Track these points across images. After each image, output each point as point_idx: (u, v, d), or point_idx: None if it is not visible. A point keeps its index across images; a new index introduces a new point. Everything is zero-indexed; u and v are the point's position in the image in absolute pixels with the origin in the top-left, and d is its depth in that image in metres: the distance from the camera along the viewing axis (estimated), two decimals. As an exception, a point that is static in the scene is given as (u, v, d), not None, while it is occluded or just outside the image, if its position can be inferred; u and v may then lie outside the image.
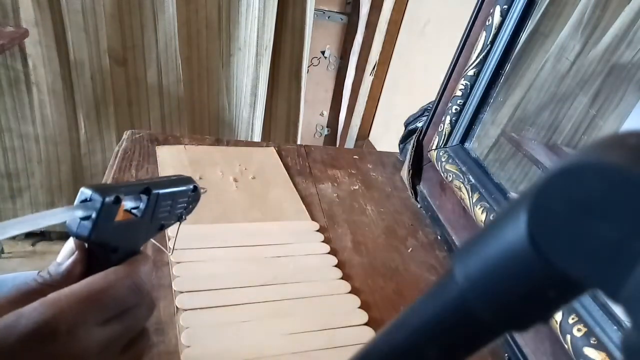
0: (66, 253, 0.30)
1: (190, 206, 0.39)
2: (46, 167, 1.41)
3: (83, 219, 0.29)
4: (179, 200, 0.37)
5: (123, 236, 0.32)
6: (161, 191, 0.34)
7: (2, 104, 1.29)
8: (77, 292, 0.28)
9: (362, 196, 0.75)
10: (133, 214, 0.32)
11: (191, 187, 0.38)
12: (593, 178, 0.14)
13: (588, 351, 0.39)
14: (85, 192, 0.29)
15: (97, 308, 0.28)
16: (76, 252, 0.30)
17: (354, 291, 0.55)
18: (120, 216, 0.31)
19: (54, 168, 1.42)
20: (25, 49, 1.23)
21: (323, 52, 1.60)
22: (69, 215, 0.28)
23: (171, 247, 0.38)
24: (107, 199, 0.29)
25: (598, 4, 0.53)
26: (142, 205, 0.32)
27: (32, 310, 0.26)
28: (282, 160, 0.78)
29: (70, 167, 1.44)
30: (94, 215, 0.29)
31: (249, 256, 0.57)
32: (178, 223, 0.39)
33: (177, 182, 0.37)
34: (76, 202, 0.29)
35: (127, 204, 0.31)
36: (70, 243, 0.31)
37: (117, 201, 0.30)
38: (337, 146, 1.69)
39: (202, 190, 0.40)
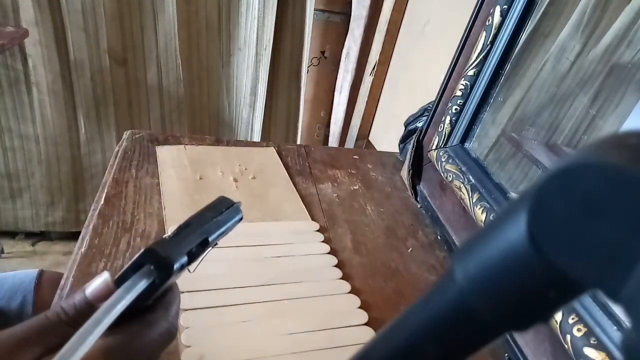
0: (99, 286, 0.27)
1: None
2: (46, 167, 1.41)
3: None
4: (224, 234, 0.36)
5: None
6: (216, 236, 0.33)
7: (2, 104, 1.29)
8: (115, 345, 0.26)
9: (362, 196, 0.75)
10: (187, 269, 0.30)
11: (238, 219, 0.37)
12: (593, 178, 0.14)
13: (588, 351, 0.39)
14: (145, 257, 0.27)
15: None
16: (111, 288, 0.27)
17: (354, 291, 0.55)
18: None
19: (54, 168, 1.42)
20: (25, 49, 1.23)
21: (323, 52, 1.60)
22: (134, 295, 0.26)
23: (194, 265, 0.37)
24: (176, 267, 0.27)
25: (598, 4, 0.53)
26: (198, 254, 0.31)
27: None
28: (282, 160, 0.78)
29: (70, 167, 1.44)
30: (157, 282, 0.27)
31: (249, 256, 0.57)
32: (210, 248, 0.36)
33: (228, 217, 0.35)
34: (135, 262, 0.27)
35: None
36: (105, 275, 0.27)
37: (183, 267, 0.29)
38: (337, 146, 1.69)
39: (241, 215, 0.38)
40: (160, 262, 0.27)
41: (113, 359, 0.25)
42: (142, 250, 0.27)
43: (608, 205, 0.14)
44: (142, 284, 0.26)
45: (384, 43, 1.33)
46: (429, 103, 0.82)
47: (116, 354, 0.26)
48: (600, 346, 0.39)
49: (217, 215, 0.35)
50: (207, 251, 0.36)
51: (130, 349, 0.27)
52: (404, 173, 0.80)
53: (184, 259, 0.29)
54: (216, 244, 0.36)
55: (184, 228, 0.31)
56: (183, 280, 0.51)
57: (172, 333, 0.29)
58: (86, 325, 0.23)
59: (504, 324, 0.17)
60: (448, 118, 0.69)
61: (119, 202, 0.62)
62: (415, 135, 0.79)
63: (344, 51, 1.56)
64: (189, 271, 0.36)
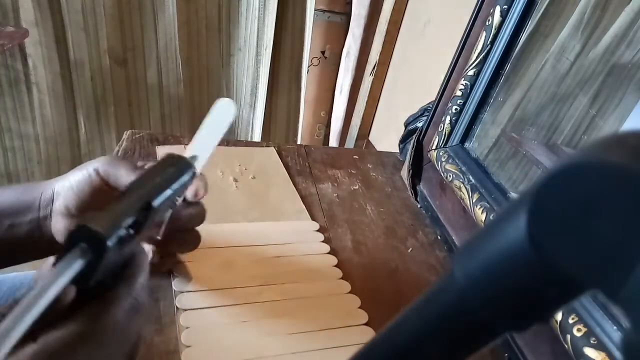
0: (44, 274, 0.26)
1: (185, 191, 0.34)
2: (46, 167, 1.41)
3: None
4: (177, 194, 0.33)
5: (119, 258, 0.27)
6: (162, 199, 0.29)
7: (2, 104, 1.29)
8: (76, 334, 0.24)
9: (362, 196, 0.75)
10: (131, 235, 0.27)
11: (190, 175, 0.34)
12: (593, 177, 0.14)
13: (588, 351, 0.39)
14: (76, 235, 0.24)
15: (103, 347, 0.26)
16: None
17: (354, 291, 0.55)
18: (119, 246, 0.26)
19: (54, 168, 1.42)
20: (25, 49, 1.22)
21: (323, 52, 1.59)
22: (68, 277, 0.23)
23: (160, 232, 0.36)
24: (110, 245, 0.25)
25: (598, 4, 0.53)
26: (142, 222, 0.28)
27: None
28: (282, 160, 0.78)
29: (70, 167, 1.43)
30: (93, 261, 0.24)
31: (248, 256, 0.57)
32: (170, 210, 0.34)
33: (175, 175, 0.32)
34: (65, 243, 0.24)
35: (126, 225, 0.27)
36: (50, 260, 0.26)
37: (120, 240, 0.26)
38: (337, 146, 1.69)
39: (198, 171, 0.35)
40: (93, 239, 0.24)
41: (82, 347, 0.24)
42: (74, 226, 0.24)
43: (608, 205, 0.14)
44: (77, 265, 0.24)
45: (384, 43, 1.33)
46: (429, 103, 0.82)
47: (81, 341, 0.24)
48: (600, 346, 0.39)
49: (160, 175, 0.31)
50: (169, 213, 0.33)
51: (95, 333, 0.25)
52: (404, 173, 0.80)
53: (122, 231, 0.26)
54: (174, 204, 0.33)
55: (122, 196, 0.28)
56: (183, 280, 0.51)
57: (136, 308, 0.28)
58: (11, 316, 0.21)
59: (504, 324, 0.17)
60: (448, 118, 0.69)
61: (119, 202, 0.62)
62: (415, 135, 0.79)
63: (344, 51, 1.56)
64: (158, 237, 0.33)
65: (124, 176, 0.38)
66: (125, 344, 0.28)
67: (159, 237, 0.37)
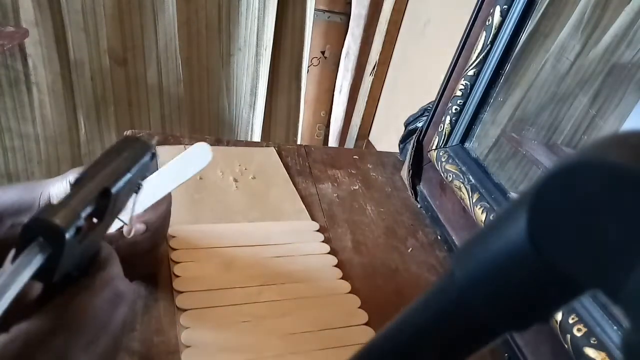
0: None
1: (148, 173, 0.33)
2: (46, 167, 1.41)
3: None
4: (138, 177, 0.31)
5: (84, 250, 0.26)
6: (121, 184, 0.28)
7: (2, 104, 1.29)
8: (50, 322, 0.24)
9: (362, 196, 0.75)
10: (93, 223, 0.26)
11: (149, 156, 0.32)
12: (594, 177, 0.14)
13: (588, 351, 0.39)
14: (31, 229, 0.23)
15: (78, 335, 0.25)
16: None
17: (354, 291, 0.55)
18: (80, 237, 0.25)
19: (54, 168, 1.42)
20: (25, 49, 1.22)
21: (323, 52, 1.59)
22: (27, 274, 0.22)
23: (128, 218, 0.34)
24: (68, 237, 0.23)
25: (598, 4, 0.53)
26: (103, 209, 0.27)
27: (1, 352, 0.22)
28: (282, 160, 0.78)
29: (70, 167, 1.43)
30: (53, 254, 0.23)
31: (248, 256, 0.57)
32: (135, 194, 0.32)
33: (133, 157, 0.30)
34: (19, 239, 0.23)
35: (84, 215, 0.25)
36: (11, 253, 0.24)
37: (79, 231, 0.24)
38: (337, 146, 1.69)
39: (156, 152, 0.33)
40: (50, 232, 0.23)
41: (56, 335, 0.24)
42: (26, 221, 0.23)
43: (608, 204, 0.14)
44: (37, 261, 0.23)
45: (384, 43, 1.33)
46: (429, 103, 0.82)
47: (55, 329, 0.24)
48: (600, 346, 0.39)
49: (116, 159, 0.29)
50: (134, 197, 0.31)
51: (68, 321, 0.25)
52: (404, 173, 0.80)
53: (81, 222, 0.24)
54: (141, 187, 0.31)
55: (78, 184, 0.26)
56: (183, 280, 0.51)
57: (117, 297, 0.28)
58: None
59: (504, 323, 0.17)
60: (448, 118, 0.69)
61: (119, 202, 0.62)
62: (415, 135, 0.79)
63: (344, 51, 1.56)
64: (124, 223, 0.32)
65: None
66: (107, 332, 0.27)
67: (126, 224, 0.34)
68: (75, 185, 0.26)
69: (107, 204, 0.27)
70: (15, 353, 0.23)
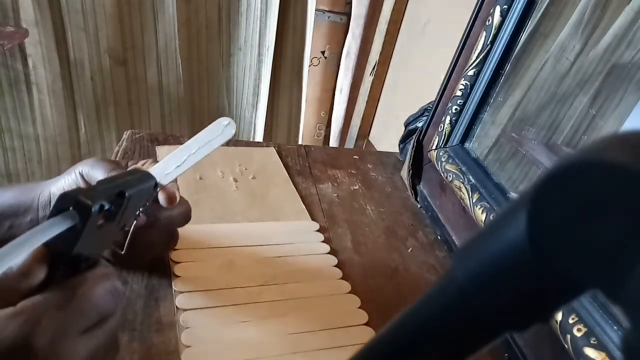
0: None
1: (147, 203, 0.39)
2: (46, 167, 1.41)
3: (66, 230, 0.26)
4: (142, 199, 0.37)
5: (97, 243, 0.30)
6: (133, 192, 0.33)
7: (2, 104, 1.29)
8: (54, 300, 0.26)
9: (362, 196, 0.75)
10: (110, 219, 0.31)
11: (153, 184, 0.38)
12: (594, 177, 0.14)
13: (588, 351, 0.39)
14: (66, 198, 0.27)
15: (79, 316, 0.26)
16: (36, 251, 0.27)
17: (354, 291, 0.55)
18: (99, 222, 0.29)
19: (54, 168, 1.42)
20: (25, 49, 1.22)
21: (323, 52, 1.60)
22: (56, 230, 0.25)
23: (125, 244, 0.40)
24: (94, 209, 0.27)
25: (598, 4, 0.53)
26: (117, 209, 0.31)
27: (4, 324, 0.24)
28: (282, 160, 0.78)
29: (70, 167, 1.44)
30: (79, 225, 0.26)
31: (248, 256, 0.57)
32: (134, 222, 0.37)
33: (141, 179, 0.36)
34: (53, 209, 0.27)
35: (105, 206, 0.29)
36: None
37: (102, 209, 0.28)
38: (337, 146, 1.69)
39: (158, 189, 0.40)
40: (79, 204, 0.27)
41: (59, 311, 0.25)
42: (57, 196, 0.27)
43: (608, 204, 0.14)
44: (66, 224, 0.26)
45: (384, 43, 1.33)
46: (429, 103, 0.82)
47: (58, 305, 0.26)
48: (600, 346, 0.39)
49: (136, 179, 0.35)
50: (133, 224, 0.37)
51: (73, 300, 0.26)
52: (404, 173, 0.80)
53: (104, 202, 0.29)
54: (139, 216, 0.37)
55: (101, 182, 0.32)
56: (183, 280, 0.51)
57: (115, 290, 0.29)
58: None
59: (504, 324, 0.17)
60: (448, 118, 0.69)
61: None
62: (415, 135, 0.79)
63: (344, 51, 1.56)
64: (121, 252, 0.38)
65: (100, 178, 0.41)
66: (104, 325, 0.29)
67: (122, 252, 0.38)
68: (99, 183, 0.32)
69: (120, 204, 0.31)
70: (21, 321, 0.24)
